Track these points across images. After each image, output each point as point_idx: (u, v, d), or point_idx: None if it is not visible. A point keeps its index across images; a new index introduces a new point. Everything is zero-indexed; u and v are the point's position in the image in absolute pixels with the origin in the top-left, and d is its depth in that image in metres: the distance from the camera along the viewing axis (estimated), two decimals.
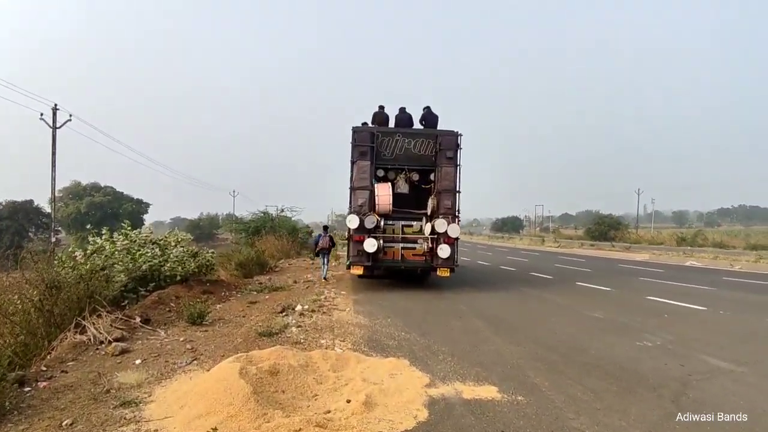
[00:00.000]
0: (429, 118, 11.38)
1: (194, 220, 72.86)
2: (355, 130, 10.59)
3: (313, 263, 18.92)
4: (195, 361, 5.09)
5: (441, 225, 10.17)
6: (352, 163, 10.59)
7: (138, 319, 6.73)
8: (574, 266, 19.21)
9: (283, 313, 7.76)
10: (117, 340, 5.82)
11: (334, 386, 4.17)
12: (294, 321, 7.15)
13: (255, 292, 10.37)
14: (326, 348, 5.57)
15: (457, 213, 10.57)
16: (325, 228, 14.47)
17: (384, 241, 10.46)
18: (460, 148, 10.63)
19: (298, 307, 8.28)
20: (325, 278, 12.75)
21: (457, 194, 10.58)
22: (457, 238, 10.49)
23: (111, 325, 6.20)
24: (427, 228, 10.48)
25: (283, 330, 6.48)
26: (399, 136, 10.82)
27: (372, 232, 10.30)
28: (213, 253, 11.09)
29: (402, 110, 11.43)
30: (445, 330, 6.76)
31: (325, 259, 12.88)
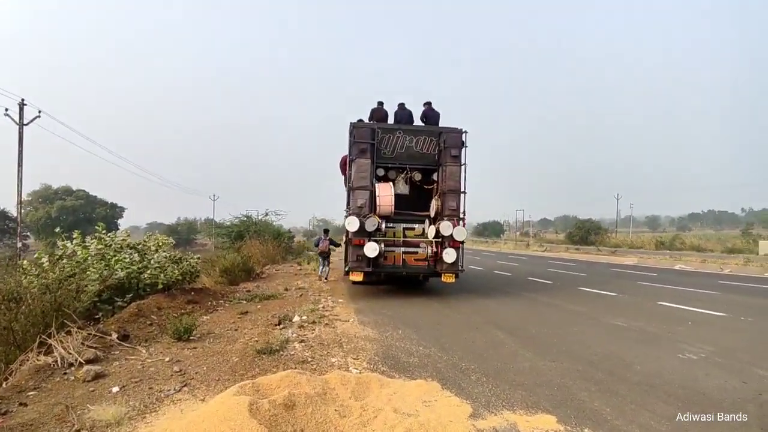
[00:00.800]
0: (430, 114, 10.74)
1: (172, 225, 70.68)
2: (354, 125, 9.87)
3: (301, 269, 18.13)
4: (185, 387, 4.27)
5: (446, 228, 9.52)
6: (351, 161, 9.86)
7: (115, 336, 5.84)
8: (567, 270, 18.87)
9: (281, 326, 6.96)
10: (89, 361, 4.95)
11: (361, 420, 3.43)
12: (294, 335, 6.36)
13: (244, 302, 9.51)
14: (339, 368, 4.82)
15: (462, 215, 9.94)
16: (326, 231, 14.80)
17: (385, 245, 9.74)
18: (466, 147, 10.02)
19: (296, 318, 7.49)
20: (322, 278, 13.40)
21: (463, 195, 9.95)
22: (462, 242, 9.86)
23: (82, 344, 5.31)
24: (431, 231, 9.80)
25: (285, 346, 5.68)
26: (400, 133, 10.15)
27: (372, 236, 9.58)
28: (198, 258, 10.16)
29: (401, 106, 10.76)
30: (466, 343, 6.08)
31: (326, 262, 13.70)
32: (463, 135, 9.98)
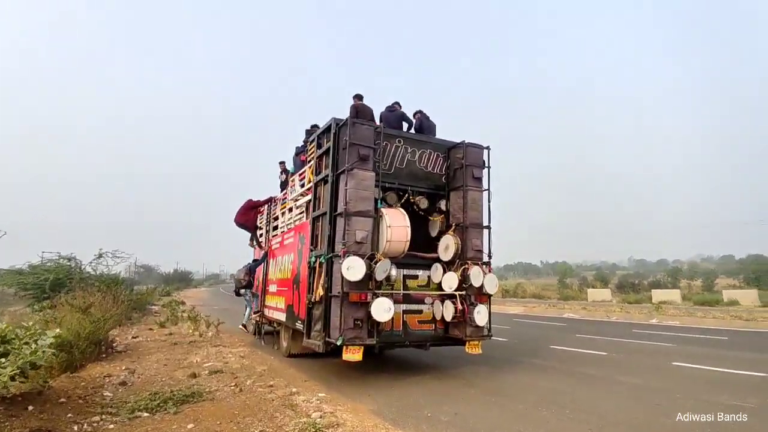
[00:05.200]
0: (426, 125, 8.06)
1: None
2: (350, 121, 6.58)
3: (170, 334, 12.82)
4: None
5: (477, 276, 6.79)
6: (341, 173, 6.48)
7: None
8: None
9: None
10: None
11: None
12: None
13: (145, 413, 5.08)
14: None
15: (488, 258, 7.34)
16: (254, 261, 11.60)
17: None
18: (489, 168, 7.61)
19: None
20: (244, 325, 11.34)
21: (487, 231, 7.40)
22: (491, 296, 7.21)
23: None
24: (449, 280, 6.91)
25: None
26: (399, 141, 7.26)
27: (377, 288, 6.25)
28: (56, 337, 5.18)
29: (392, 108, 7.88)
30: None
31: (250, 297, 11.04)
32: (486, 152, 7.59)
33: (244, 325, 10.97)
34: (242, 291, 10.81)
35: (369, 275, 6.04)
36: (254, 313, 10.90)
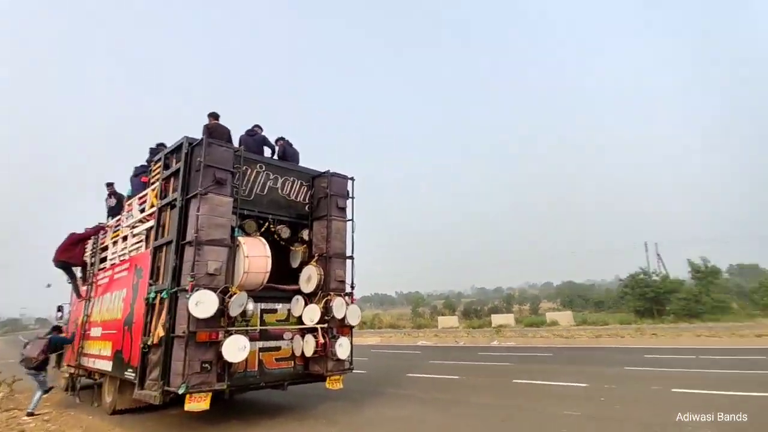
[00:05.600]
0: (290, 152, 7.82)
1: None
2: (207, 142, 5.95)
3: None
4: None
5: (340, 307, 6.61)
6: (194, 196, 5.79)
7: None
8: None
9: None
10: None
11: None
12: None
13: None
14: None
15: (351, 288, 7.21)
16: (57, 328, 9.01)
17: None
18: (353, 198, 7.60)
19: None
20: (32, 413, 7.71)
21: (351, 261, 7.30)
22: (352, 327, 7.05)
23: None
24: (311, 312, 6.60)
25: None
26: (261, 168, 6.86)
27: (230, 324, 5.62)
28: None
29: (252, 132, 7.46)
30: None
31: (38, 380, 7.97)
32: (350, 182, 7.60)
33: (31, 413, 7.66)
34: (32, 372, 7.87)
35: (222, 311, 5.42)
36: (66, 365, 8.89)
